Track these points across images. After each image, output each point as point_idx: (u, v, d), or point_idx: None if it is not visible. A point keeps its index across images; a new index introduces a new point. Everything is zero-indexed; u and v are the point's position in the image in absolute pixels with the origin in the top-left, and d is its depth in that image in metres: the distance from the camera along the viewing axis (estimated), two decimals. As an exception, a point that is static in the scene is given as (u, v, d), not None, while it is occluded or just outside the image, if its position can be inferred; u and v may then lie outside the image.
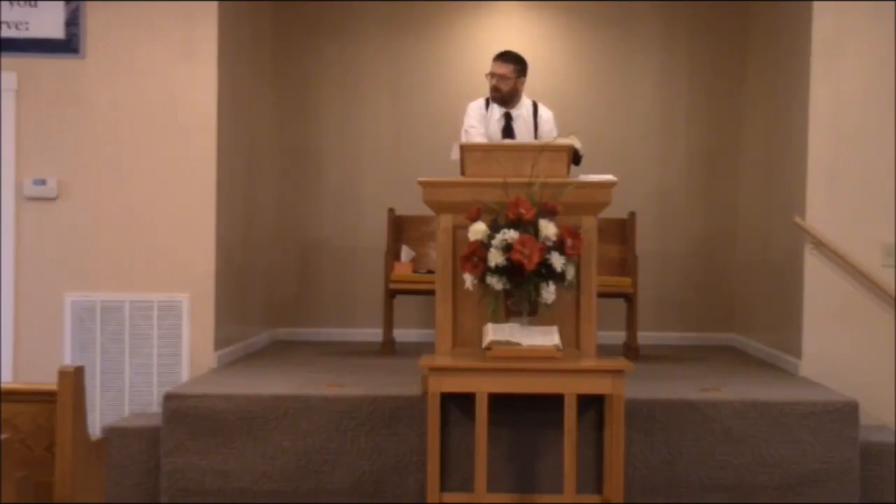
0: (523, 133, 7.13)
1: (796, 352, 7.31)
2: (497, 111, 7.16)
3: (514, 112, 7.18)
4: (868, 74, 7.08)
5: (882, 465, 6.27)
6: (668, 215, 9.43)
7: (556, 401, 5.57)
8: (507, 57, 7.16)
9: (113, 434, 6.33)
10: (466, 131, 7.10)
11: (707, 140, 9.44)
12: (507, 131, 7.13)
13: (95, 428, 6.47)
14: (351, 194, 9.47)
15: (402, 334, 8.66)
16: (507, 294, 5.65)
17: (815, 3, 7.18)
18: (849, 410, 6.16)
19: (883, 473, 6.26)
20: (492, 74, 7.14)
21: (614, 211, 7.69)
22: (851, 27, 7.16)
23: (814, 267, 7.19)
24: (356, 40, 9.47)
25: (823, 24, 7.17)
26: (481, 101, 7.21)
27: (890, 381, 6.94)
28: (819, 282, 7.17)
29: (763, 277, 8.47)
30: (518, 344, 5.58)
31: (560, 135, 6.63)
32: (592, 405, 5.97)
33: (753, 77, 9.06)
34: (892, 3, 7.11)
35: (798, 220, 7.22)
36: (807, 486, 6.10)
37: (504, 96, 7.14)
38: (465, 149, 6.06)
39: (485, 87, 7.24)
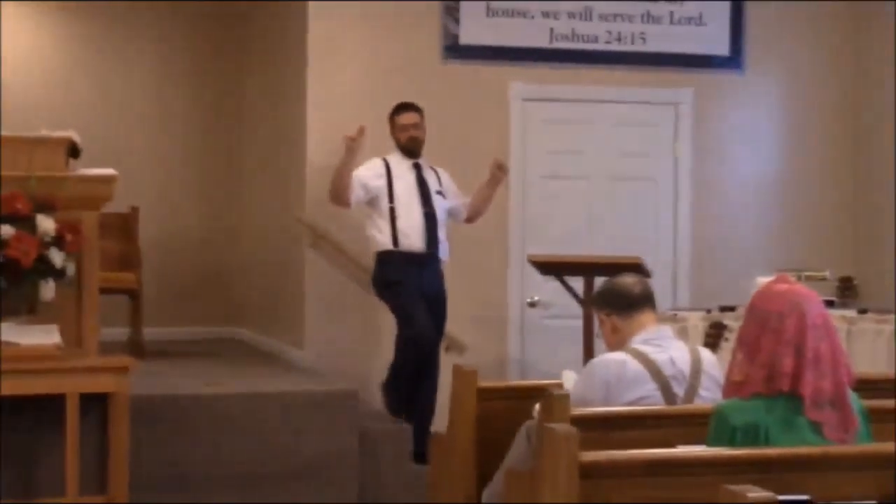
0: (433, 182, 6.93)
1: (300, 343, 7.62)
2: (405, 163, 6.89)
3: (420, 162, 6.95)
4: (358, 73, 7.52)
5: (378, 454, 6.57)
6: (171, 210, 9.35)
7: (62, 400, 5.43)
8: (413, 106, 6.93)
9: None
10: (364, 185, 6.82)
11: (207, 137, 9.46)
12: (421, 182, 6.88)
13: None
14: None
15: None
16: (2, 292, 5.45)
17: (311, 4, 7.51)
18: (348, 398, 6.44)
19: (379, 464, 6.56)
20: (405, 126, 6.87)
21: (117, 205, 7.60)
22: (345, 28, 7.57)
23: (313, 262, 7.47)
24: None
25: (318, 25, 7.54)
26: (377, 161, 6.88)
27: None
28: (319, 276, 7.46)
29: (266, 272, 8.67)
30: (17, 344, 5.40)
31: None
32: (99, 403, 5.86)
33: (253, 79, 9.24)
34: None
35: (300, 216, 7.46)
36: (309, 473, 6.30)
37: (419, 146, 6.91)
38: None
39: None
